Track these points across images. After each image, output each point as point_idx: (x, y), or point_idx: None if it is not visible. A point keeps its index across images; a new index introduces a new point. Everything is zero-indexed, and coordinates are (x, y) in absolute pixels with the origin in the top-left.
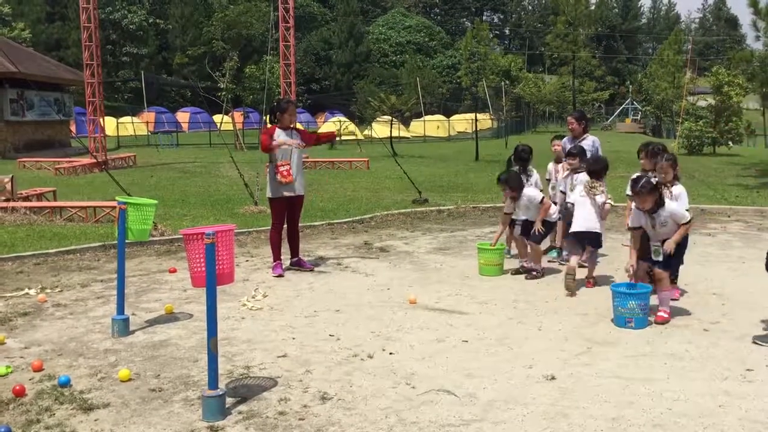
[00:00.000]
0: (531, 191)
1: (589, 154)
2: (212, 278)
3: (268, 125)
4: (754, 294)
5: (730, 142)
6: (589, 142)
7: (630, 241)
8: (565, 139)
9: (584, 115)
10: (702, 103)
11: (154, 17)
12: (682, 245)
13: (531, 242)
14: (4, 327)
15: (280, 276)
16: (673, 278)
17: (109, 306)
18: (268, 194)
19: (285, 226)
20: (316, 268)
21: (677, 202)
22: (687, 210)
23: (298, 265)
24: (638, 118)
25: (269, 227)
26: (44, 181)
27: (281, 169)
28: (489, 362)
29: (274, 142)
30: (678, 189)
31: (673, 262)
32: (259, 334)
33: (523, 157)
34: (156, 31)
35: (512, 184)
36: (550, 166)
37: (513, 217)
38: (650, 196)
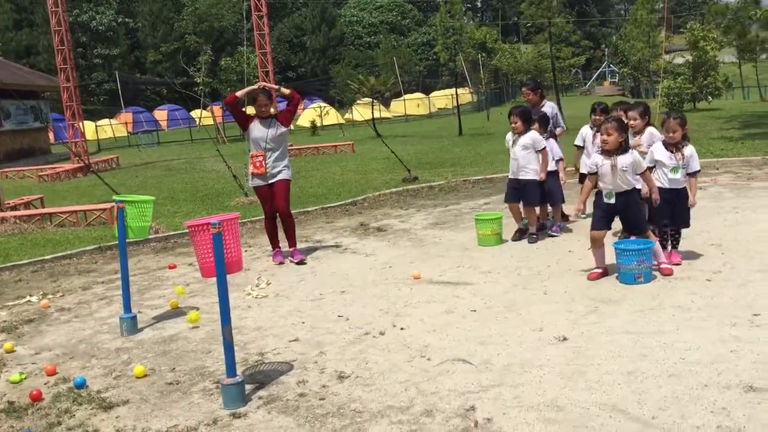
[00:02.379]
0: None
1: (549, 121)
2: (221, 267)
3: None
4: (750, 242)
5: (709, 97)
6: (548, 108)
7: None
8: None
9: (539, 83)
10: (679, 60)
11: (123, 16)
12: (681, 207)
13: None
14: (12, 335)
15: (281, 263)
16: (675, 243)
17: (113, 306)
18: (250, 183)
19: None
20: (315, 252)
21: (690, 162)
22: (698, 170)
23: (292, 255)
24: (616, 80)
25: (259, 217)
26: (29, 190)
27: (254, 160)
28: (499, 329)
29: (246, 131)
30: (689, 150)
31: (643, 223)
32: (268, 321)
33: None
34: (126, 30)
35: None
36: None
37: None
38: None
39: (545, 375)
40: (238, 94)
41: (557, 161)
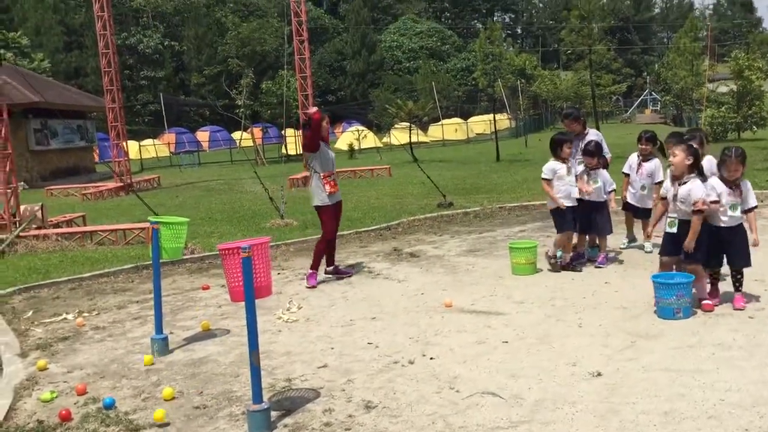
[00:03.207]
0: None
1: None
2: (250, 292)
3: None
4: None
5: (754, 127)
6: (593, 136)
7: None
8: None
9: (580, 112)
10: (723, 89)
11: (169, 40)
12: (738, 245)
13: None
14: (46, 352)
15: (313, 287)
16: (737, 285)
17: (146, 326)
18: (318, 203)
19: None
20: (346, 277)
21: (747, 197)
22: (755, 206)
23: (335, 272)
24: (658, 108)
25: (299, 239)
26: (72, 207)
27: (330, 179)
28: (532, 362)
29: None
30: (747, 185)
31: (698, 255)
32: (297, 346)
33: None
34: (171, 53)
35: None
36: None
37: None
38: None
39: (578, 412)
40: (316, 110)
41: (609, 192)
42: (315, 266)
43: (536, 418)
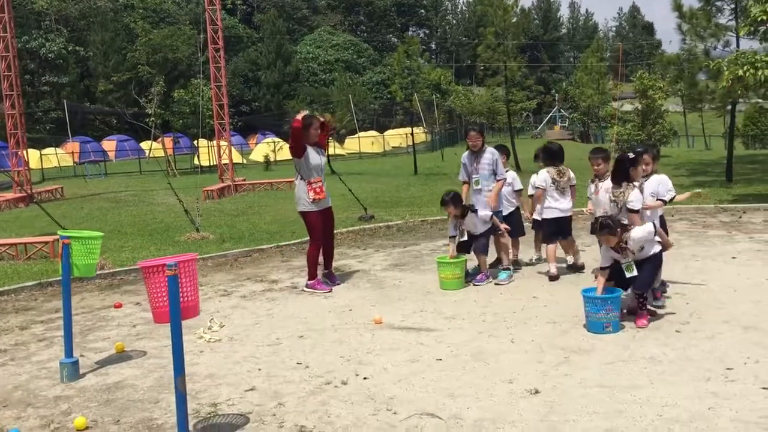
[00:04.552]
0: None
1: (488, 168)
2: (176, 313)
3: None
4: (714, 291)
5: (658, 144)
6: (488, 154)
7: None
8: (465, 154)
9: (483, 128)
10: (628, 107)
11: (74, 44)
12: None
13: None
14: None
15: (330, 291)
16: (641, 306)
17: (53, 348)
18: (302, 208)
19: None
20: (271, 293)
21: (646, 248)
22: (658, 251)
23: (328, 277)
24: (566, 125)
25: (217, 253)
26: None
27: (314, 186)
28: (468, 380)
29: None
30: (635, 239)
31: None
32: (221, 368)
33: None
34: (76, 59)
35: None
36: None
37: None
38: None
39: None
40: (300, 117)
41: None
42: (313, 275)
43: None
